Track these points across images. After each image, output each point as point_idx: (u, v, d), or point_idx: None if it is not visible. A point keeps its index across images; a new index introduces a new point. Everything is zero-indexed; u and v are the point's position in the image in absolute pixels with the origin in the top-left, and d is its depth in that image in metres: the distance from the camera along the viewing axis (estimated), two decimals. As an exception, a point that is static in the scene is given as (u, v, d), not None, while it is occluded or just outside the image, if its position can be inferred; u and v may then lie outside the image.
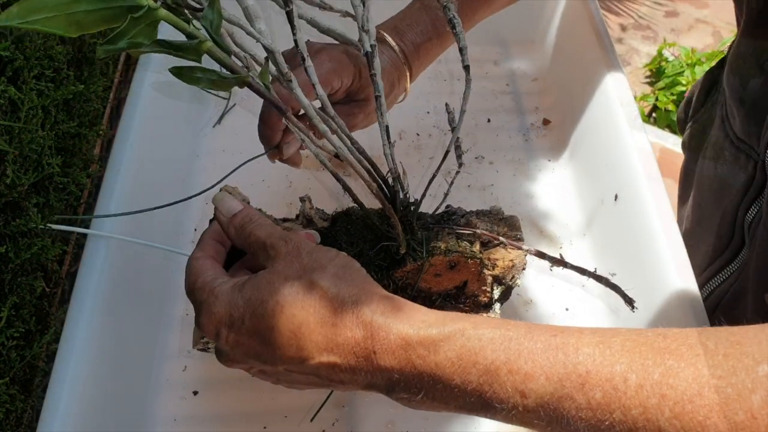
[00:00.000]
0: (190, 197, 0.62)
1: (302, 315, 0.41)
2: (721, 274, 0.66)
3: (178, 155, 0.79)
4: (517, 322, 0.40)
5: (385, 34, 0.61)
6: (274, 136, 0.58)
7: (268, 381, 0.46)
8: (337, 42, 0.56)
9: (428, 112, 0.88)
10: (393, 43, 0.61)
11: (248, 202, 0.58)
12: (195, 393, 0.64)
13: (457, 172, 0.59)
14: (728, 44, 0.70)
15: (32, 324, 0.62)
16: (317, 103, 0.49)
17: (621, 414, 0.34)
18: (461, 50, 0.52)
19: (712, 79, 0.73)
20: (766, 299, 0.56)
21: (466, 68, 0.52)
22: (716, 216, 0.65)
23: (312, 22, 0.52)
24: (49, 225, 0.62)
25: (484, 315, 0.59)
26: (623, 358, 0.35)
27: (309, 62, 0.45)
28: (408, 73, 0.63)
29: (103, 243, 0.60)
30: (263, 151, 0.72)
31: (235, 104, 0.87)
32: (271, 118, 0.57)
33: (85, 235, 0.61)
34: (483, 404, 0.38)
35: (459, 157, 0.60)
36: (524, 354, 0.37)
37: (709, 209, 0.67)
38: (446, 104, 0.58)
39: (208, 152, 0.83)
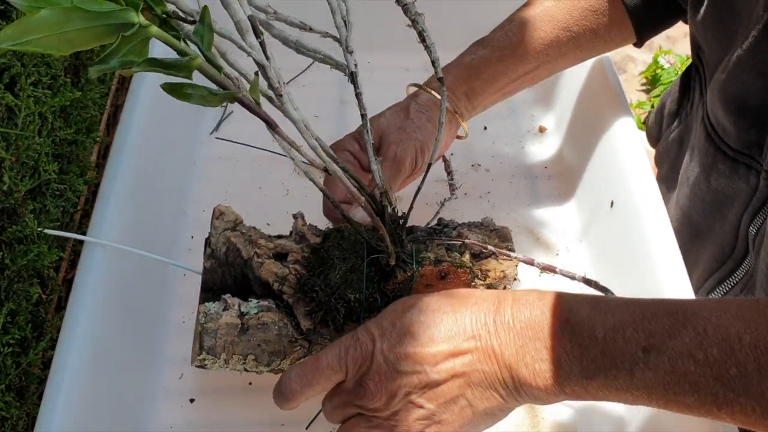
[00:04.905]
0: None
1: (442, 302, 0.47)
2: (725, 283, 0.65)
3: (175, 162, 0.79)
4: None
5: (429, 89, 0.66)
6: (335, 215, 0.62)
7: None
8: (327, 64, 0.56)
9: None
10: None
11: (241, 221, 0.58)
12: (191, 401, 0.64)
13: (448, 198, 0.62)
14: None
15: (28, 331, 0.62)
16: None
17: (737, 370, 0.38)
18: (433, 63, 0.51)
19: (683, 88, 0.73)
20: None
21: (440, 80, 0.52)
22: (715, 227, 0.65)
23: (298, 44, 0.52)
24: (45, 231, 0.62)
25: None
26: (738, 322, 0.39)
27: (286, 89, 0.45)
28: (459, 116, 0.67)
29: (99, 249, 0.60)
30: (262, 156, 0.72)
31: (232, 111, 0.87)
32: (329, 209, 0.63)
33: (81, 242, 0.61)
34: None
35: (451, 175, 0.62)
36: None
37: (705, 220, 0.66)
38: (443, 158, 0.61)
39: (205, 160, 0.83)
